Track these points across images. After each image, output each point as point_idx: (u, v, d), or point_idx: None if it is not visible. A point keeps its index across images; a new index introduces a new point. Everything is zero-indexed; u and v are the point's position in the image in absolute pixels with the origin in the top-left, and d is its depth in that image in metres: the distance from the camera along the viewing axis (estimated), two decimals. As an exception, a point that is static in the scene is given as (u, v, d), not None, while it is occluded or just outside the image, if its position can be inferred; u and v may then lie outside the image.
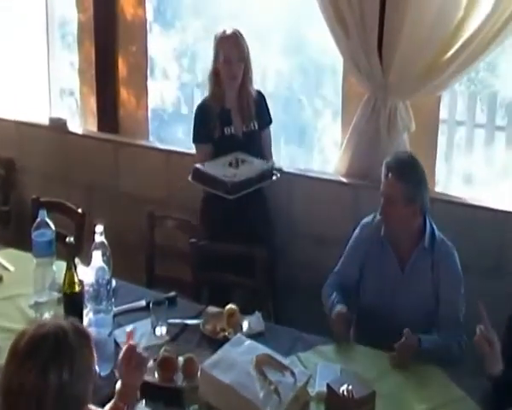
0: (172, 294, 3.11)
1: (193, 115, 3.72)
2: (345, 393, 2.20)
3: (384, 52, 3.53)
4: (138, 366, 2.16)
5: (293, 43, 4.52)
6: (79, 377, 1.78)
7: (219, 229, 3.61)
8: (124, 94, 4.58)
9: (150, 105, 4.58)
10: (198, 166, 3.56)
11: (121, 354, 2.19)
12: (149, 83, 4.53)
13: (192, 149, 3.86)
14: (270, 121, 3.76)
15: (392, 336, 2.75)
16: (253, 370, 2.36)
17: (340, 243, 3.31)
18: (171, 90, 4.55)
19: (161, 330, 2.82)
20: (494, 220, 3.55)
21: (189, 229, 3.69)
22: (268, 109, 3.74)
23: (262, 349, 2.48)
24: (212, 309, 3.01)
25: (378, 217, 3.04)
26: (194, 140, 3.70)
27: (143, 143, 4.50)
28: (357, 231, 3.15)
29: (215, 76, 3.57)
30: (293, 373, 2.35)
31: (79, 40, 4.66)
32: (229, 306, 2.90)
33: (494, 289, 3.42)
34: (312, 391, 2.42)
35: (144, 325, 2.87)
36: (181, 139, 4.56)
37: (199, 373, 2.40)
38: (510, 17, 3.25)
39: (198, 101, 3.97)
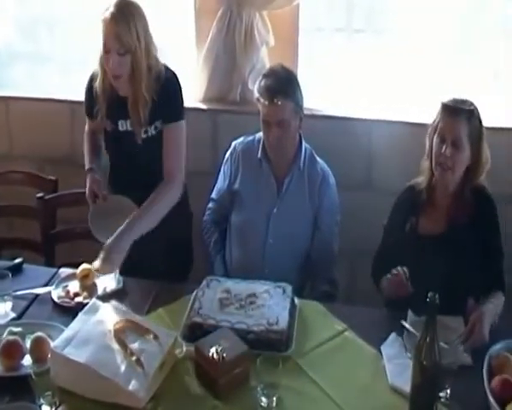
0: (17, 261, 2.71)
1: None
2: (214, 355, 1.90)
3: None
4: None
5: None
6: None
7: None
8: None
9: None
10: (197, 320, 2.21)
11: None
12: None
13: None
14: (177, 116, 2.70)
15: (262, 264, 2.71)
16: (112, 341, 2.03)
17: (205, 173, 3.18)
18: (3, 26, 3.96)
19: (5, 307, 2.41)
20: (363, 130, 3.39)
21: (36, 182, 3.32)
22: (178, 100, 2.70)
23: (121, 313, 2.16)
24: (64, 271, 2.64)
25: (256, 139, 2.87)
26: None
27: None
28: (228, 153, 2.95)
29: (101, 64, 2.63)
30: (156, 337, 2.04)
31: None
32: (83, 265, 2.54)
33: (364, 201, 3.39)
34: (180, 352, 2.10)
35: (-13, 304, 2.46)
36: (21, 82, 3.99)
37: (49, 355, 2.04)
38: None
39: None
